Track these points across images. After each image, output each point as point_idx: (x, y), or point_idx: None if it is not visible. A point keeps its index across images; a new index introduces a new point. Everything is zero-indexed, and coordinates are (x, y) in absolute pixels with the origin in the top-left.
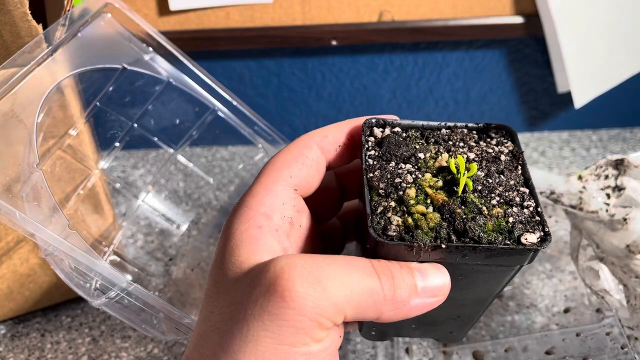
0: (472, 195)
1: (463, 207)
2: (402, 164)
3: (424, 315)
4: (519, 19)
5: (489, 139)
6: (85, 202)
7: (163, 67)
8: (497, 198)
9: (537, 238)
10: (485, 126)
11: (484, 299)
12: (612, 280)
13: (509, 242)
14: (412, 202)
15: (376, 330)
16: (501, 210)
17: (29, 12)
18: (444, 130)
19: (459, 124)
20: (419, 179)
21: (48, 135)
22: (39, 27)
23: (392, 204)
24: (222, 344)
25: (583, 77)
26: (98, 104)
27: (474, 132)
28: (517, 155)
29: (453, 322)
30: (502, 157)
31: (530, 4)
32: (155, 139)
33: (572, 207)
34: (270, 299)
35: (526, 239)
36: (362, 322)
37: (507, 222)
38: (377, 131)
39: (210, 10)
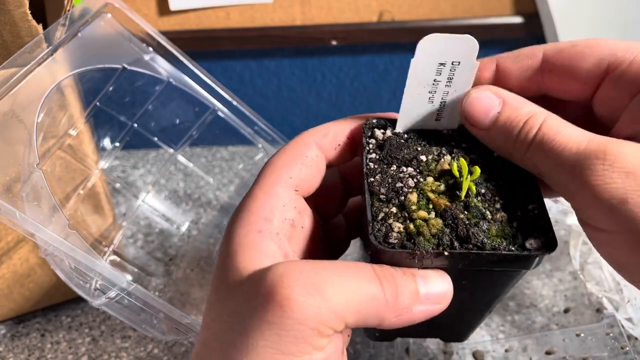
0: (475, 200)
1: (466, 212)
2: (403, 167)
3: (428, 319)
4: (519, 19)
5: None
6: (85, 202)
7: (163, 67)
8: (501, 202)
9: (542, 243)
10: None
11: (488, 303)
12: (612, 280)
13: (513, 248)
14: (413, 207)
15: (380, 331)
16: (505, 215)
17: (29, 12)
18: (445, 130)
19: (460, 123)
20: (420, 183)
21: (48, 135)
22: (39, 27)
23: (394, 210)
24: (223, 355)
25: None
26: (98, 104)
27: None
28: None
29: (457, 325)
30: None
31: (530, 4)
32: (155, 139)
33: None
34: (268, 309)
35: (531, 244)
36: (367, 330)
37: (511, 226)
38: (378, 133)
39: (210, 10)
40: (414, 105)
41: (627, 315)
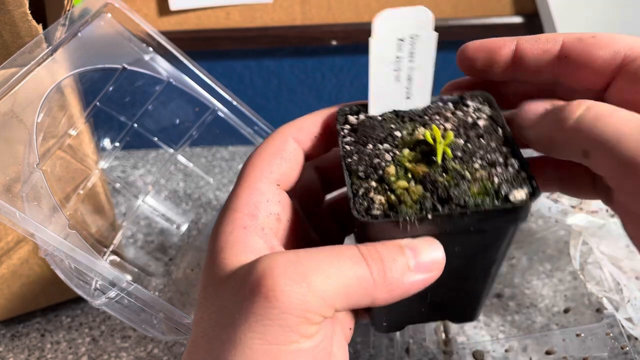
0: (452, 163)
1: (445, 175)
2: (379, 145)
3: (431, 298)
4: (519, 19)
5: (465, 108)
6: (85, 202)
7: (163, 67)
8: (479, 161)
9: (526, 194)
10: (460, 97)
11: (486, 269)
12: (612, 281)
13: (497, 202)
14: (392, 178)
15: (387, 321)
16: (485, 173)
17: (29, 12)
18: (418, 108)
19: (432, 98)
20: (397, 156)
21: (48, 135)
22: (39, 27)
23: (373, 184)
24: (211, 350)
25: None
26: (98, 103)
27: (450, 103)
28: (496, 118)
29: (462, 300)
30: (481, 122)
31: (530, 4)
32: (155, 139)
33: (572, 207)
34: (254, 300)
35: (514, 196)
36: (372, 314)
37: (492, 182)
38: (352, 118)
39: (210, 10)
40: (382, 87)
41: (627, 315)
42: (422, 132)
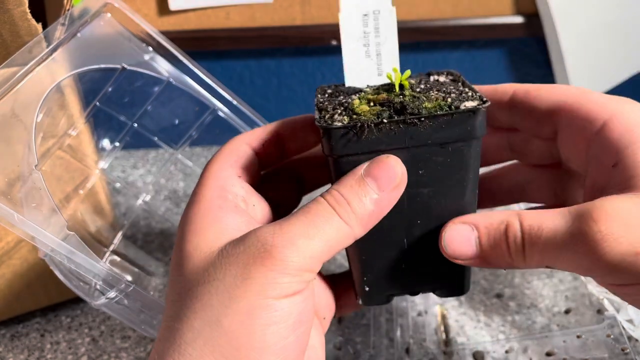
0: (411, 91)
1: (402, 97)
2: (349, 97)
3: (410, 253)
4: (519, 19)
5: (435, 76)
6: (85, 202)
7: (163, 67)
8: (436, 92)
9: (476, 104)
10: (428, 72)
11: (459, 201)
12: None
13: (448, 109)
14: (355, 106)
15: (370, 291)
16: (440, 95)
17: (29, 11)
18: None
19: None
20: (362, 95)
21: (48, 135)
22: (39, 26)
23: (339, 111)
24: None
25: (583, 76)
26: (98, 103)
27: (422, 76)
28: (457, 79)
29: (446, 262)
30: (442, 78)
31: (530, 4)
32: (155, 138)
33: None
34: (255, 268)
35: (465, 105)
36: (356, 289)
37: (445, 100)
38: (329, 90)
39: (210, 10)
40: (355, 62)
41: (627, 317)
42: (386, 89)
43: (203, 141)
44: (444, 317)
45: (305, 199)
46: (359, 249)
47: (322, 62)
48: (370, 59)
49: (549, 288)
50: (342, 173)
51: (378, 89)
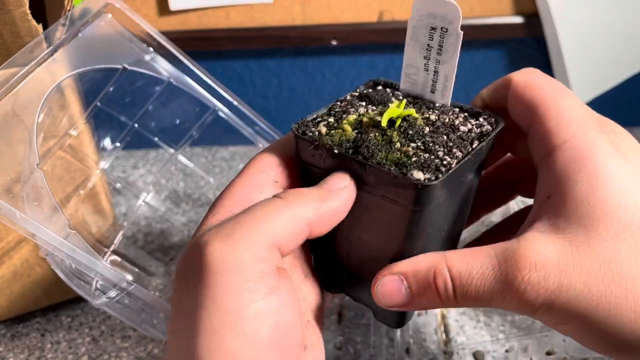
0: (395, 131)
1: (380, 136)
2: (369, 105)
3: (350, 274)
4: (519, 19)
5: (473, 119)
6: (85, 202)
7: (163, 67)
8: (420, 145)
9: (424, 178)
10: (477, 111)
11: (387, 252)
12: None
13: (392, 169)
14: (345, 121)
15: (323, 280)
16: (412, 150)
17: (29, 11)
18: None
19: (453, 102)
20: (367, 112)
21: (48, 135)
22: (39, 27)
23: (330, 119)
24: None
25: (583, 76)
26: (98, 104)
27: (464, 113)
28: (483, 136)
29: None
30: (463, 128)
31: (530, 4)
32: (156, 139)
33: None
34: (197, 281)
35: (412, 174)
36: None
37: (409, 158)
38: (377, 87)
39: (210, 10)
40: (413, 69)
41: None
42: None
43: (203, 141)
44: (443, 317)
45: None
46: (312, 242)
47: (322, 62)
48: (427, 73)
49: None
50: (306, 178)
51: (383, 110)
